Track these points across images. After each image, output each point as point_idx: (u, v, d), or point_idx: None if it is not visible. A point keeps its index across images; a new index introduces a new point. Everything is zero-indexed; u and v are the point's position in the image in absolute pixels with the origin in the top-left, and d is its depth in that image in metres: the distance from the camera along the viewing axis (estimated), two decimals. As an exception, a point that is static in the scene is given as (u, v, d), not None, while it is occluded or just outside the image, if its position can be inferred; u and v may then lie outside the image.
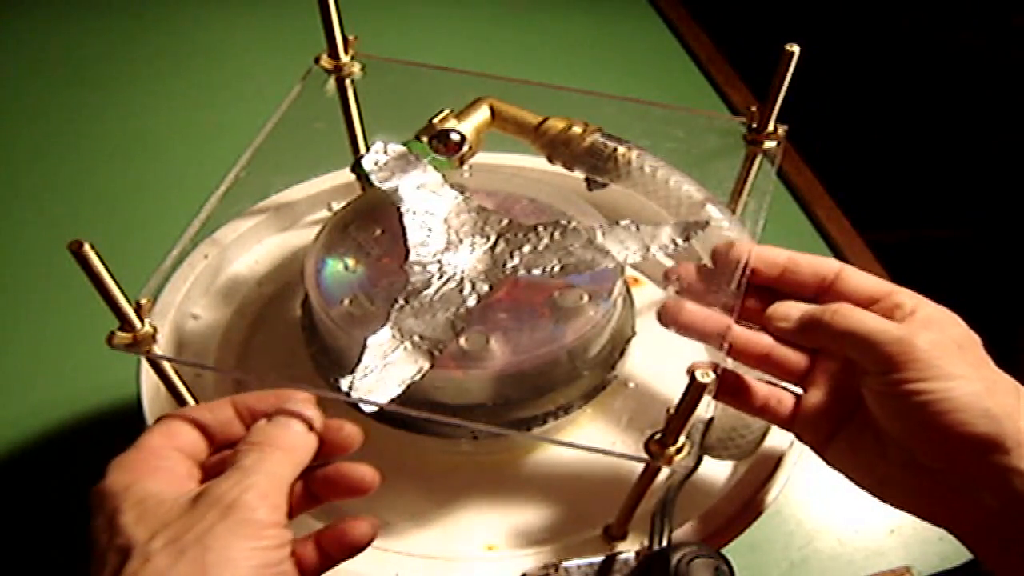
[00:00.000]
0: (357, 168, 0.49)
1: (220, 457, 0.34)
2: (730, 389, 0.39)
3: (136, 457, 0.32)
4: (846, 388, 0.37)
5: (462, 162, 0.47)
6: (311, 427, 0.34)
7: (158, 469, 0.31)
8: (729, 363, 0.41)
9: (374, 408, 0.36)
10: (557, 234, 0.44)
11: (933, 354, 0.33)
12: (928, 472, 0.34)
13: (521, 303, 0.43)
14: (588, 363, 0.44)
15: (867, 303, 0.37)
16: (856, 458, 0.37)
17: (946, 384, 0.33)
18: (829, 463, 0.38)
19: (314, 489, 0.34)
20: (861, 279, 0.38)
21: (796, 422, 0.38)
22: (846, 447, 0.37)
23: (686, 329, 0.40)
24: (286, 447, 0.32)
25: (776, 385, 0.40)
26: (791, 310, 0.38)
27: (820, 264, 0.39)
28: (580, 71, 1.02)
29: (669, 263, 0.54)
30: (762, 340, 0.39)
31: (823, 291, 0.39)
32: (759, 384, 0.39)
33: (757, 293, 0.40)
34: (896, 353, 0.34)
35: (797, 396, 0.39)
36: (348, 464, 0.34)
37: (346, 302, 0.43)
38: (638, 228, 0.44)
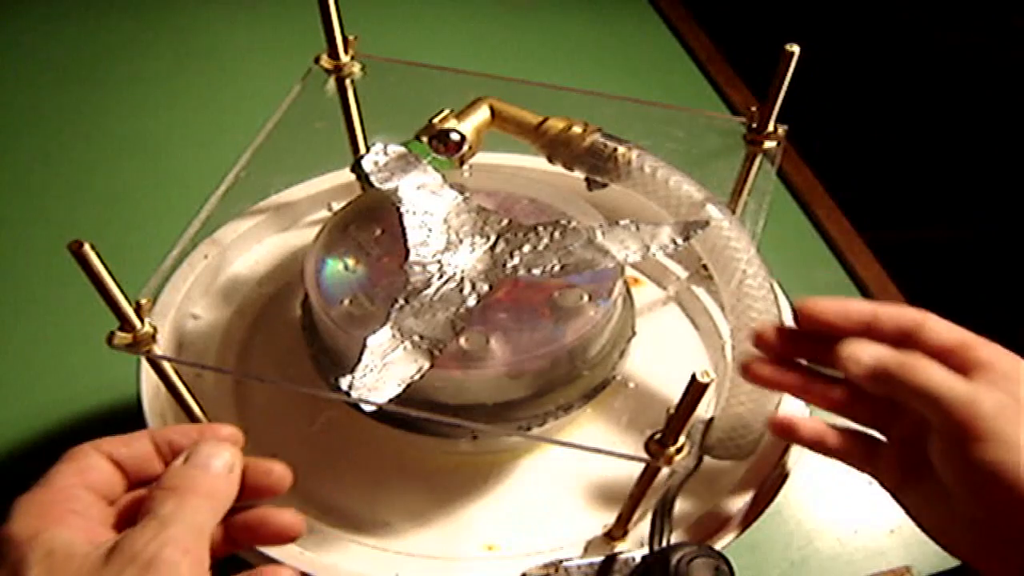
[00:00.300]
0: (357, 168, 0.49)
1: (134, 497, 0.31)
2: (812, 436, 0.39)
3: (44, 498, 0.29)
4: (923, 436, 0.37)
5: (462, 162, 0.47)
6: (231, 469, 0.31)
7: (69, 513, 0.29)
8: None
9: (374, 408, 0.36)
10: (557, 234, 0.44)
11: (997, 417, 0.33)
12: (986, 528, 0.34)
13: (521, 303, 0.43)
14: (588, 363, 0.44)
15: (946, 354, 0.36)
16: (927, 506, 0.37)
17: (1005, 453, 0.32)
18: (904, 508, 0.38)
19: (233, 534, 0.32)
20: (942, 331, 0.37)
21: (876, 467, 0.38)
22: (919, 494, 0.37)
23: (767, 384, 0.40)
24: (205, 493, 0.30)
25: (857, 431, 0.39)
26: (862, 353, 0.36)
27: (903, 317, 0.37)
28: (580, 71, 1.01)
29: (669, 263, 0.54)
30: (844, 387, 0.39)
31: (904, 342, 0.37)
32: (840, 430, 0.39)
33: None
34: (958, 414, 0.33)
35: (877, 441, 0.39)
36: (272, 510, 0.32)
37: (346, 302, 0.43)
38: (638, 228, 0.44)
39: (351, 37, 0.49)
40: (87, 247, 0.32)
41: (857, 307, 0.38)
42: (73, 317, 0.68)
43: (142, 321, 0.36)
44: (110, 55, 1.00)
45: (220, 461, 0.31)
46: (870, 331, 0.38)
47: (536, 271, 0.43)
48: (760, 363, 0.40)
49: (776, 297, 0.45)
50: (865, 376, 0.36)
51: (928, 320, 0.37)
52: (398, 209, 0.46)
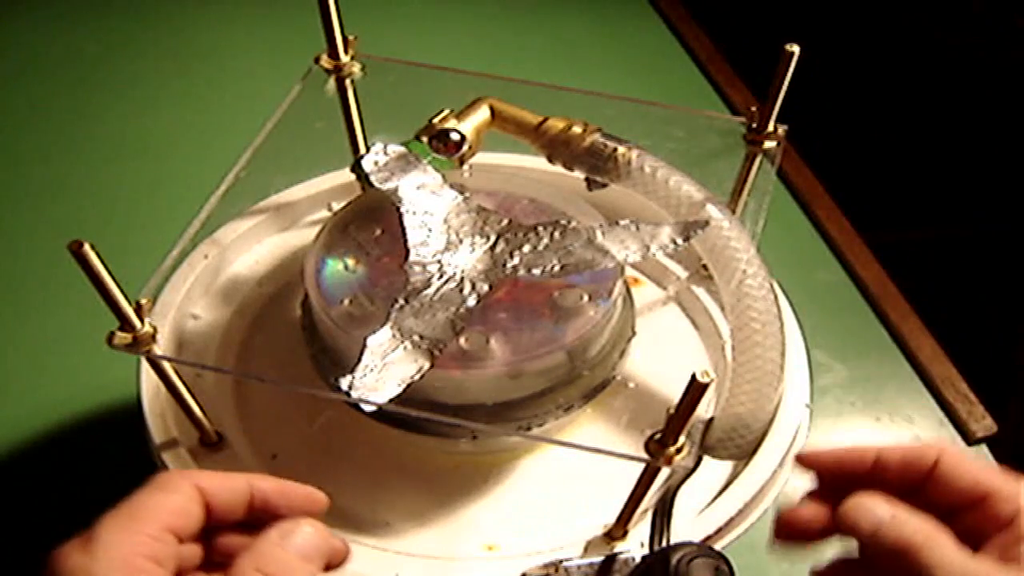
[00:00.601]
0: (357, 168, 0.49)
1: (200, 554, 0.30)
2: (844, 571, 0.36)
3: (136, 538, 0.27)
4: None
5: (462, 162, 0.47)
6: (323, 556, 0.31)
7: (156, 567, 0.27)
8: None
9: (374, 408, 0.36)
10: (557, 234, 0.44)
11: None
12: None
13: (521, 303, 0.43)
14: (588, 363, 0.44)
15: (963, 510, 0.33)
16: None
17: None
18: None
19: None
20: (957, 479, 0.33)
21: None
22: None
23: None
24: None
25: None
26: (860, 521, 0.33)
27: (909, 462, 0.34)
28: (580, 71, 1.02)
29: (669, 263, 0.54)
30: None
31: (916, 491, 0.34)
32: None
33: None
34: None
35: None
36: None
37: (346, 302, 0.43)
38: (638, 228, 0.44)
39: (351, 37, 0.49)
40: (87, 247, 0.32)
41: (855, 455, 0.35)
42: (73, 317, 0.68)
43: (142, 321, 0.36)
44: (110, 55, 1.00)
45: (316, 550, 0.30)
46: (876, 478, 0.34)
47: (536, 271, 0.43)
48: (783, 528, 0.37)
49: (776, 297, 0.45)
50: (867, 546, 0.33)
51: (940, 465, 0.33)
52: (398, 209, 0.46)
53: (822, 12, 1.44)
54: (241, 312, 0.52)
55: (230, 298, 0.52)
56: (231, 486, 0.31)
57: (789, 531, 0.36)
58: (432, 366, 0.38)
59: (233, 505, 0.31)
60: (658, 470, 0.36)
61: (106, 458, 0.60)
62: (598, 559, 0.39)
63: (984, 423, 0.66)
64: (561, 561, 0.39)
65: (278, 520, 0.31)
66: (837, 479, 0.35)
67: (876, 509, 0.33)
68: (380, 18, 1.02)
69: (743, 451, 0.43)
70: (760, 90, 0.46)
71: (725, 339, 0.50)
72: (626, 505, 0.39)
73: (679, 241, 0.43)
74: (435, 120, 0.47)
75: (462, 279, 0.42)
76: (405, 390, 0.37)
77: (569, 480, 0.45)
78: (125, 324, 0.36)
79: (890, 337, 0.73)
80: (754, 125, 0.46)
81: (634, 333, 0.47)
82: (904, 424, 0.67)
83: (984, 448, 0.66)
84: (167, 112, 0.93)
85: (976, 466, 0.33)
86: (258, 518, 0.31)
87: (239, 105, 0.90)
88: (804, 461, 0.36)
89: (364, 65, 0.50)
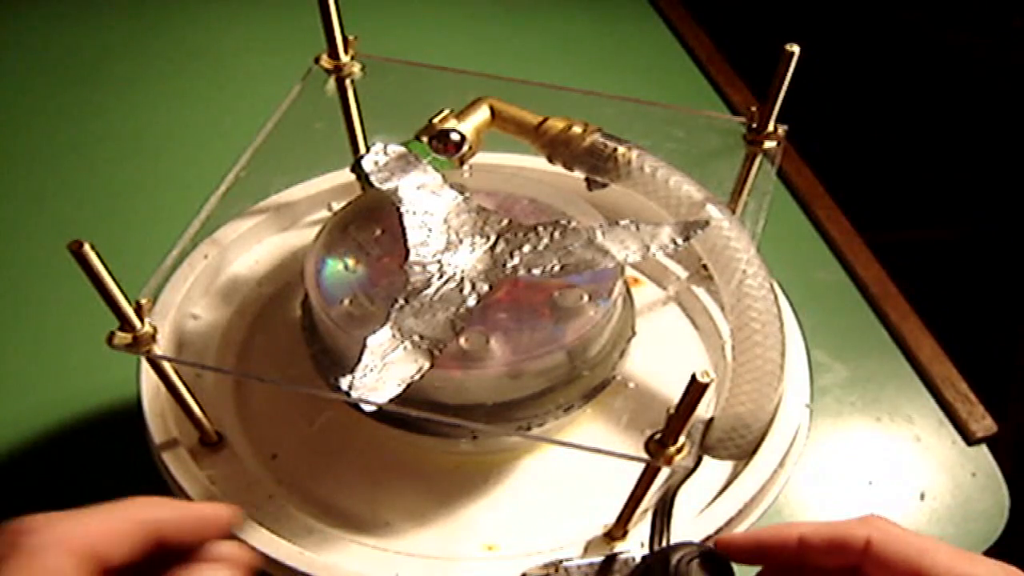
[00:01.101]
0: (357, 168, 0.49)
1: None
2: None
3: None
4: None
5: (462, 162, 0.47)
6: None
7: None
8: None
9: (374, 408, 0.36)
10: (557, 234, 0.44)
11: None
12: None
13: (521, 303, 0.43)
14: (588, 363, 0.44)
15: None
16: None
17: None
18: None
19: None
20: (892, 556, 0.31)
21: None
22: None
23: None
24: None
25: None
26: None
27: (837, 542, 0.32)
28: (580, 71, 1.02)
29: (669, 263, 0.54)
30: None
31: (851, 567, 0.32)
32: None
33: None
34: None
35: None
36: None
37: (346, 302, 0.43)
38: (638, 228, 0.44)
39: (351, 37, 0.49)
40: (87, 247, 0.32)
41: (777, 539, 0.33)
42: (73, 317, 0.68)
43: (142, 321, 0.36)
44: (110, 55, 1.00)
45: None
46: (803, 561, 0.32)
47: (536, 271, 0.43)
48: None
49: (776, 297, 0.45)
50: None
51: (874, 545, 0.31)
52: (398, 209, 0.46)
53: (822, 12, 1.44)
54: (241, 312, 0.52)
55: (230, 298, 0.52)
56: (119, 536, 0.28)
57: None
58: (432, 366, 0.38)
59: (127, 555, 0.28)
60: (658, 470, 0.36)
61: (106, 458, 0.60)
62: (598, 559, 0.39)
63: (984, 423, 0.66)
64: (561, 561, 0.39)
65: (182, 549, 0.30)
66: (762, 564, 0.34)
67: None
68: (380, 18, 1.02)
69: (743, 451, 0.43)
70: (760, 90, 0.46)
71: (725, 339, 0.50)
72: (626, 505, 0.39)
73: (679, 241, 0.43)
74: (435, 120, 0.47)
75: (462, 279, 0.42)
76: (405, 390, 0.37)
77: (569, 480, 0.45)
78: (125, 324, 0.36)
79: (890, 337, 0.73)
80: (754, 125, 0.46)
81: (634, 333, 0.47)
82: (904, 424, 0.67)
83: (984, 448, 0.66)
84: (167, 112, 0.93)
85: (915, 543, 0.31)
86: (160, 553, 0.29)
87: (239, 105, 0.90)
88: (721, 547, 0.35)
89: (364, 65, 0.50)
